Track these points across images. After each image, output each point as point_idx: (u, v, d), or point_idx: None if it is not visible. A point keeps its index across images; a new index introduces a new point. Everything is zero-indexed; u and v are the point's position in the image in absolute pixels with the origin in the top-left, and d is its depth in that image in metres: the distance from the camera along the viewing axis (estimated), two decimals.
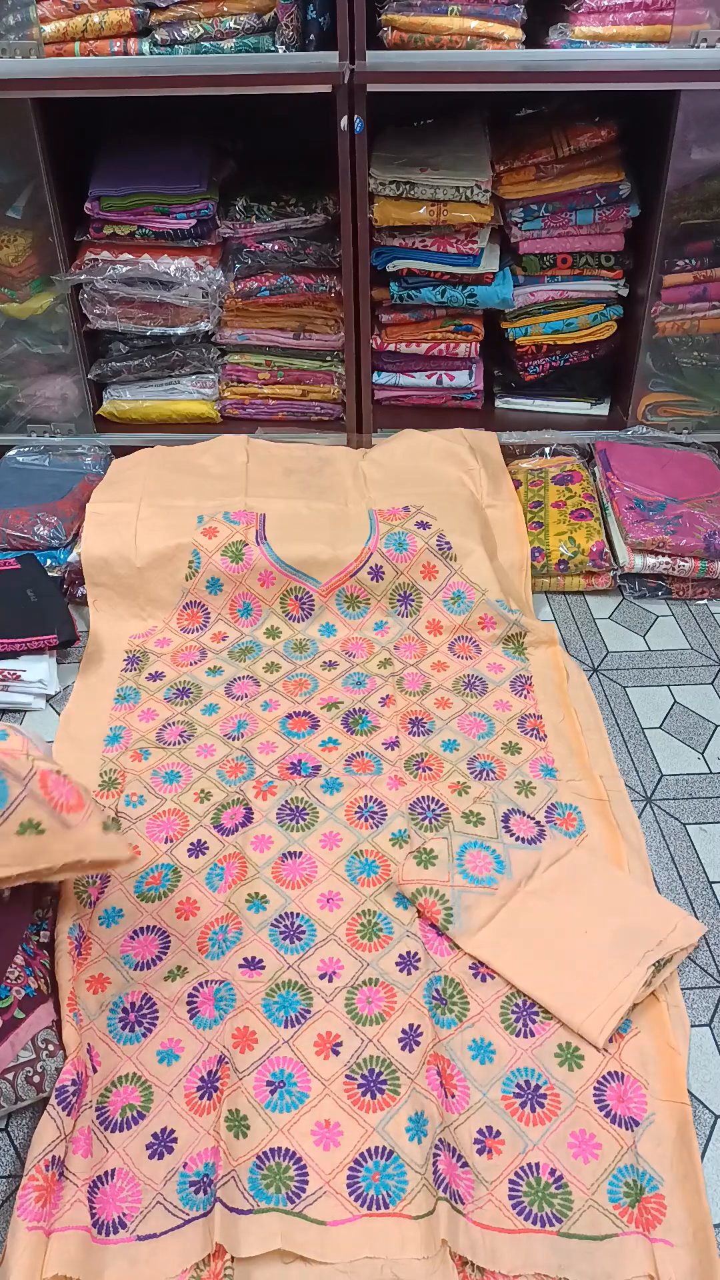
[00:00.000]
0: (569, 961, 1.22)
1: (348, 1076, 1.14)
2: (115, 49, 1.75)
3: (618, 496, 1.98)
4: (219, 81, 1.75)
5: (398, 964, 1.25)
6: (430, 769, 1.52)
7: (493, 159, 1.98)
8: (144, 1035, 1.18)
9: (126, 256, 2.02)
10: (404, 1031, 1.17)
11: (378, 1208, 1.02)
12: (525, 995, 1.21)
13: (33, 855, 1.07)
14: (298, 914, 1.31)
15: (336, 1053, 1.16)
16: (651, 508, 1.93)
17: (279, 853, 1.39)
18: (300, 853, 1.39)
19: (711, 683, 1.71)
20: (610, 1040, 1.16)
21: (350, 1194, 1.04)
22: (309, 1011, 1.20)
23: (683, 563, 1.86)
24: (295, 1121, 1.10)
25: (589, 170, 1.97)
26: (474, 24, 1.70)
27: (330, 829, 1.42)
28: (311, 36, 1.75)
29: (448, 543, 1.81)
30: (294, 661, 1.74)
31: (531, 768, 1.52)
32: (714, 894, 1.35)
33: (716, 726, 1.62)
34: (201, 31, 1.72)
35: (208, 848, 1.41)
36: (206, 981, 1.23)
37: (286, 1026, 1.18)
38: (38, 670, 1.69)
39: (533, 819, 1.42)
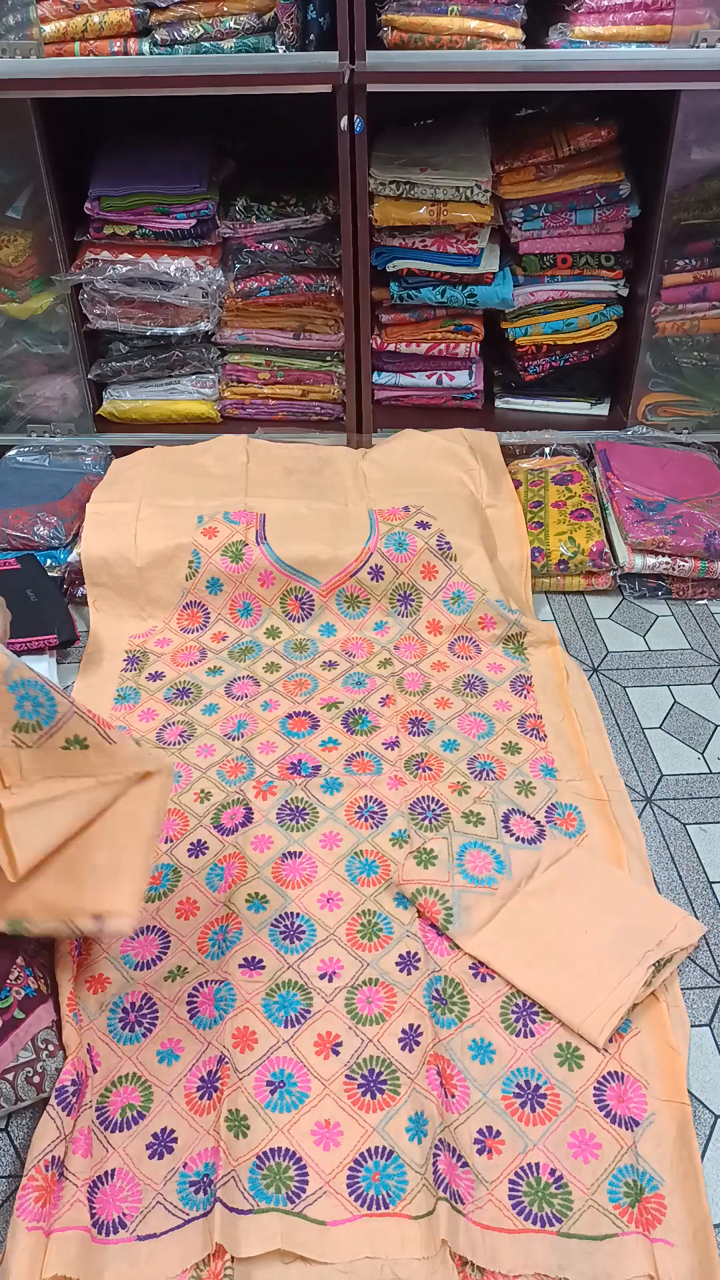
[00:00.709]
0: (569, 961, 1.22)
1: (348, 1076, 1.14)
2: (115, 49, 1.75)
3: (618, 496, 1.98)
4: (219, 81, 1.75)
5: (398, 964, 1.25)
6: (430, 769, 1.52)
7: (493, 159, 1.98)
8: (144, 1035, 1.18)
9: (126, 256, 2.02)
10: (404, 1031, 1.17)
11: (378, 1208, 1.02)
12: (525, 995, 1.21)
13: (75, 766, 1.06)
14: (298, 914, 1.31)
15: (336, 1053, 1.16)
16: (651, 508, 1.93)
17: (279, 853, 1.39)
18: (300, 853, 1.39)
19: (711, 683, 1.71)
20: (610, 1040, 1.15)
21: (350, 1194, 1.04)
22: (309, 1011, 1.20)
23: (683, 563, 1.86)
24: (295, 1121, 1.10)
25: (589, 170, 1.97)
26: (474, 24, 1.70)
27: (330, 829, 1.42)
28: (311, 36, 1.75)
29: (448, 543, 1.81)
30: (294, 661, 1.74)
31: (531, 768, 1.52)
32: (714, 894, 1.35)
33: (716, 726, 1.62)
34: (201, 31, 1.72)
35: (208, 848, 1.41)
36: (206, 981, 1.23)
37: (286, 1026, 1.18)
38: (38, 670, 1.69)
39: (533, 819, 1.42)
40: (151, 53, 1.75)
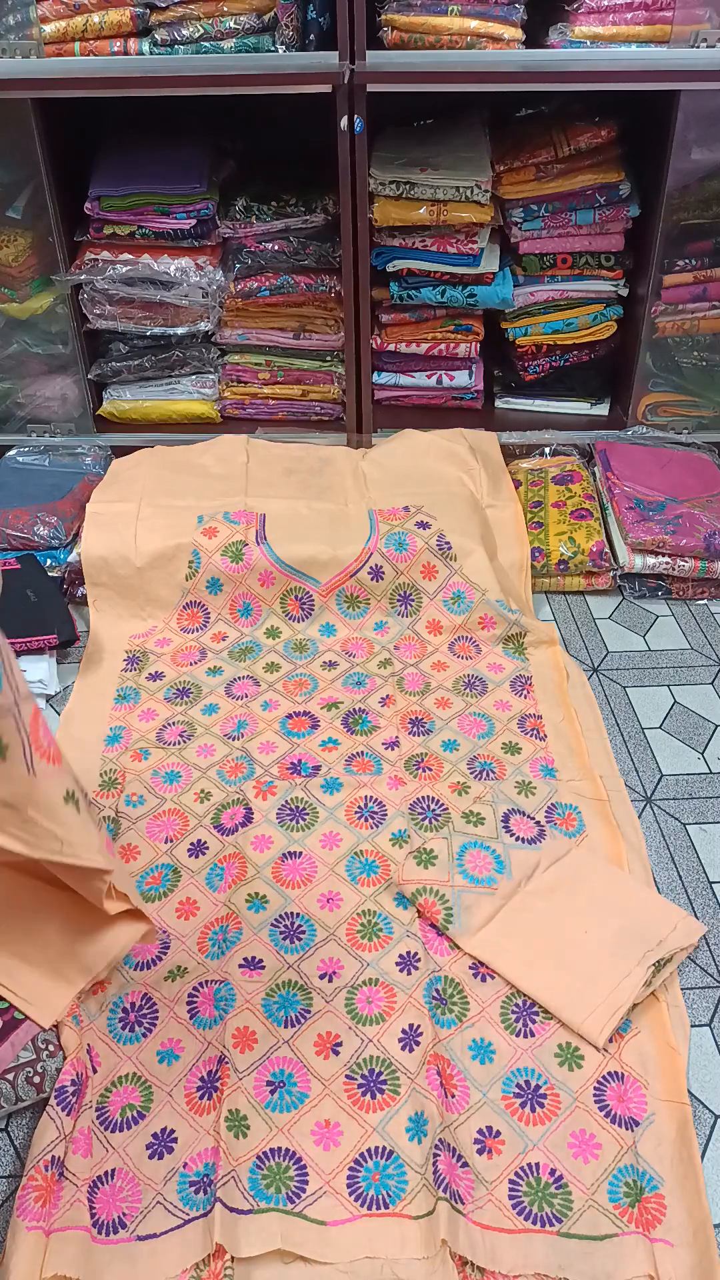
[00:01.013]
0: (569, 961, 1.22)
1: (348, 1076, 1.14)
2: (115, 49, 1.75)
3: (618, 496, 1.98)
4: (219, 81, 1.75)
5: (398, 964, 1.25)
6: (430, 769, 1.52)
7: (493, 159, 1.98)
8: (144, 1035, 1.18)
9: (126, 256, 2.02)
10: (404, 1031, 1.17)
11: (378, 1208, 1.02)
12: (525, 995, 1.21)
13: None
14: (298, 914, 1.31)
15: (336, 1053, 1.16)
16: (651, 508, 1.93)
17: (279, 853, 1.39)
18: (300, 853, 1.39)
19: (711, 683, 1.71)
20: (610, 1040, 1.15)
21: (350, 1194, 1.04)
22: (309, 1011, 1.20)
23: (683, 563, 1.86)
24: (295, 1121, 1.10)
25: (589, 170, 1.97)
26: (474, 24, 1.70)
27: (330, 829, 1.42)
28: (311, 36, 1.75)
29: (448, 543, 1.81)
30: (294, 661, 1.74)
31: (531, 768, 1.52)
32: (714, 894, 1.35)
33: (716, 726, 1.62)
34: (201, 31, 1.72)
35: (208, 848, 1.41)
36: (206, 981, 1.23)
37: (286, 1026, 1.18)
38: (38, 670, 1.69)
39: (533, 819, 1.42)
40: (151, 53, 1.75)
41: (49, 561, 1.88)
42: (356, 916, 1.31)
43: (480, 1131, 1.09)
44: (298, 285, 2.07)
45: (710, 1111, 1.12)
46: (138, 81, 1.76)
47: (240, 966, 1.24)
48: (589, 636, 1.82)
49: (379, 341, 2.16)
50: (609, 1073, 1.13)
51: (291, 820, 1.44)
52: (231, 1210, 1.00)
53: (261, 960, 1.25)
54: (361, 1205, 1.03)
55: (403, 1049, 1.16)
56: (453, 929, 1.27)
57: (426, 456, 2.08)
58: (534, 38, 1.75)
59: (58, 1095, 1.09)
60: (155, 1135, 1.09)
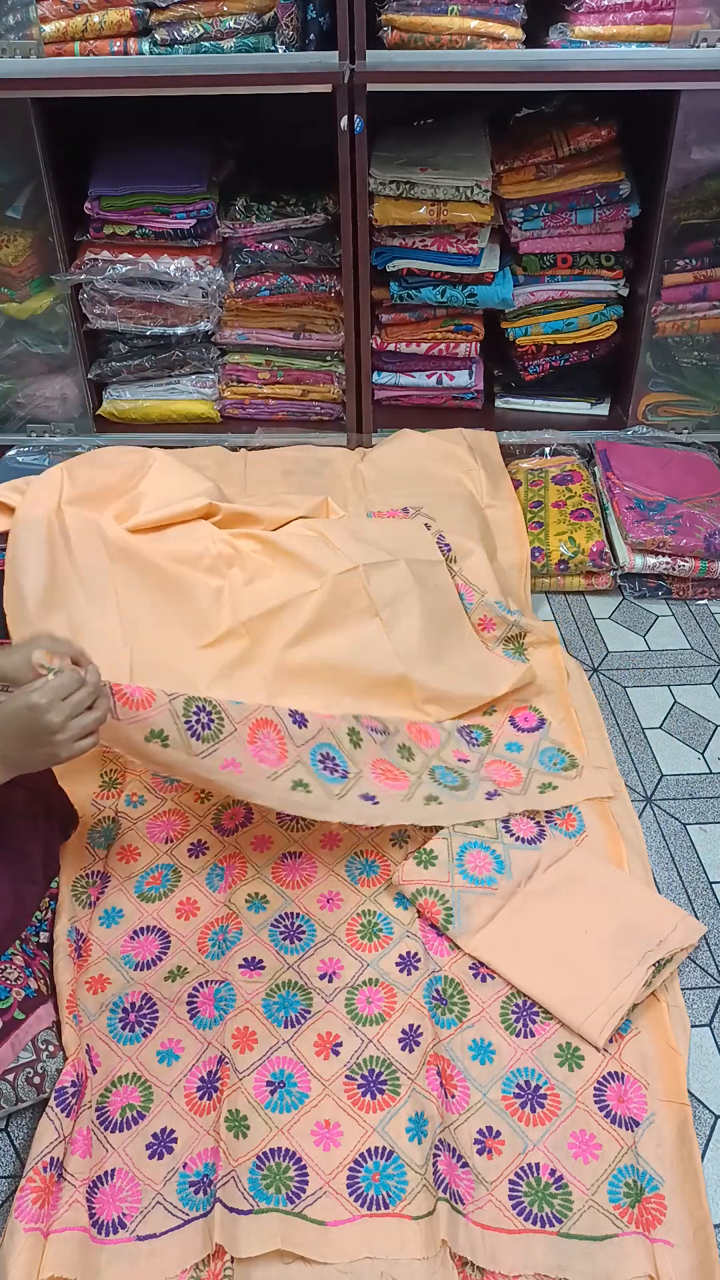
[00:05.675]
0: (569, 961, 1.22)
1: (348, 1077, 1.13)
2: (115, 49, 1.75)
3: (618, 496, 1.97)
4: (219, 81, 1.75)
5: (398, 964, 1.25)
6: None
7: (493, 159, 1.98)
8: (144, 1035, 1.18)
9: (126, 256, 2.02)
10: (404, 1032, 1.17)
11: (378, 1208, 1.02)
12: (525, 995, 1.21)
13: None
14: (298, 914, 1.31)
15: (336, 1053, 1.16)
16: (651, 508, 1.93)
17: (279, 853, 1.39)
18: (300, 853, 1.39)
19: (711, 683, 1.71)
20: (610, 1040, 1.15)
21: (350, 1194, 1.04)
22: (309, 1012, 1.20)
23: (683, 563, 1.86)
24: (295, 1122, 1.09)
25: (589, 170, 1.97)
26: (474, 24, 1.70)
27: (330, 829, 1.42)
28: (311, 36, 1.75)
29: (447, 544, 1.81)
30: None
31: None
32: (714, 894, 1.35)
33: (716, 726, 1.62)
34: (201, 31, 1.72)
35: (208, 848, 1.41)
36: (206, 981, 1.23)
37: (286, 1027, 1.18)
38: None
39: (533, 819, 1.42)
40: (151, 53, 1.75)
41: None
42: (356, 916, 1.31)
43: (480, 1132, 1.09)
44: (298, 285, 2.07)
45: (710, 1111, 1.12)
46: (138, 81, 1.76)
47: (240, 966, 1.24)
48: (589, 636, 1.82)
49: (379, 341, 2.16)
50: (609, 1073, 1.13)
51: (291, 820, 1.43)
52: (231, 1210, 1.00)
53: (261, 960, 1.25)
54: (361, 1205, 1.03)
55: (403, 1049, 1.16)
56: (453, 929, 1.27)
57: (425, 457, 2.08)
58: (534, 38, 1.75)
59: (57, 1096, 1.08)
60: (155, 1135, 1.09)
